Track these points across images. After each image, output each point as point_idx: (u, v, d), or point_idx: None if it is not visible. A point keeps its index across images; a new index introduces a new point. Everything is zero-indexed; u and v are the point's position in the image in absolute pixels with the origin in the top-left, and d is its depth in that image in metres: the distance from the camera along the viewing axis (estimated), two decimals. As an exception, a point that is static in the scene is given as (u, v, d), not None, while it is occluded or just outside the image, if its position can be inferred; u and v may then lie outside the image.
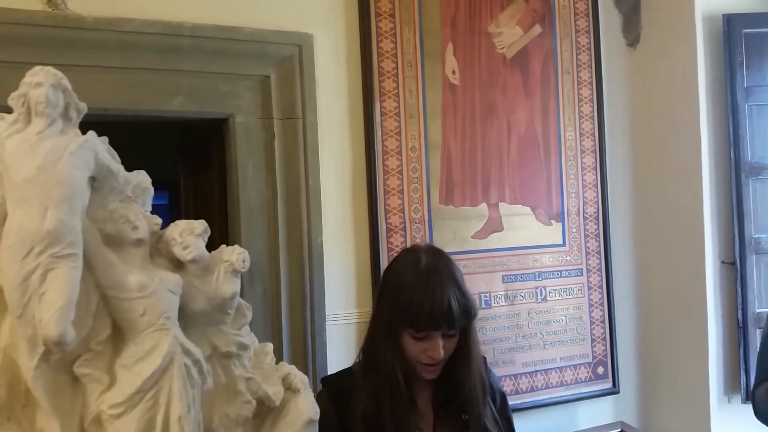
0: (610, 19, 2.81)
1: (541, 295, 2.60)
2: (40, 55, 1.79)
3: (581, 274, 2.68)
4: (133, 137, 2.74)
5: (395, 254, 2.26)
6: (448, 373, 1.56)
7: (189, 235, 1.19)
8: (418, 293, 1.47)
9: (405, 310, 1.48)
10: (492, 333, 2.49)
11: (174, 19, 2.03)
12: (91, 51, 1.93)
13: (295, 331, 2.20)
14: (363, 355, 1.61)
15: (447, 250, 1.66)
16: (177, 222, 1.22)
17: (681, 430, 2.72)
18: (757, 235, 2.58)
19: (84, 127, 1.15)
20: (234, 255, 1.24)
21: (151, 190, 1.21)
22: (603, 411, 2.74)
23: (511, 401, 2.05)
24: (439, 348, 1.49)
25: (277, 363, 1.35)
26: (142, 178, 1.20)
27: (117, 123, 2.08)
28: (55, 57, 1.81)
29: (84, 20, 1.91)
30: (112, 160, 1.14)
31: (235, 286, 1.23)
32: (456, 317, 1.47)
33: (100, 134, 1.17)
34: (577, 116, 2.67)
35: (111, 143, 1.19)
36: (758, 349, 2.21)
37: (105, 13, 1.94)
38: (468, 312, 1.50)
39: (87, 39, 1.92)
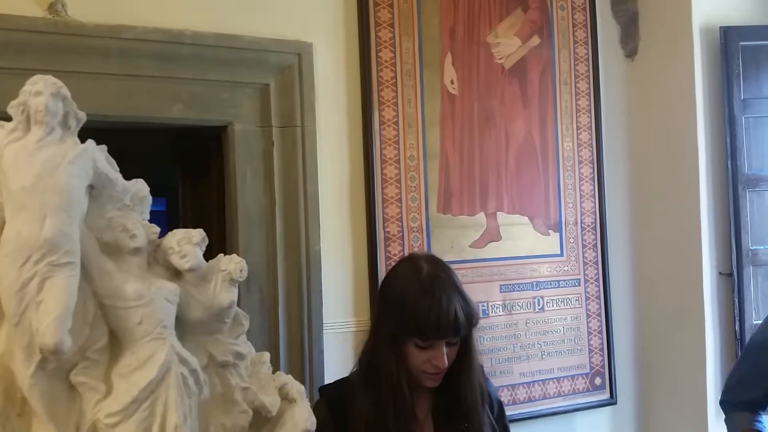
0: (608, 30, 2.81)
1: (538, 305, 2.60)
2: (41, 62, 1.79)
3: (579, 284, 2.68)
4: (132, 144, 2.74)
5: (393, 263, 2.27)
6: (449, 381, 1.56)
7: (187, 244, 1.19)
8: (423, 303, 1.47)
9: (411, 321, 1.48)
10: (490, 343, 2.48)
11: (174, 27, 2.03)
12: (91, 58, 1.93)
13: (293, 339, 2.19)
14: (362, 366, 1.59)
15: (445, 259, 1.66)
16: (175, 231, 1.22)
17: (678, 441, 2.72)
18: (754, 247, 2.58)
19: (83, 134, 1.15)
20: (231, 264, 1.24)
21: (150, 198, 1.22)
22: (600, 422, 2.73)
23: (509, 412, 2.04)
24: (443, 357, 1.49)
25: (274, 371, 1.35)
26: (140, 186, 1.20)
27: (116, 129, 2.08)
28: (56, 64, 1.82)
29: (84, 27, 1.91)
30: (110, 168, 1.15)
31: (232, 295, 1.23)
32: (461, 326, 1.49)
33: (99, 141, 1.17)
34: (575, 126, 2.68)
35: (110, 149, 1.19)
36: (739, 359, 2.20)
37: (105, 20, 1.94)
38: (471, 319, 1.52)
39: (87, 46, 1.92)
